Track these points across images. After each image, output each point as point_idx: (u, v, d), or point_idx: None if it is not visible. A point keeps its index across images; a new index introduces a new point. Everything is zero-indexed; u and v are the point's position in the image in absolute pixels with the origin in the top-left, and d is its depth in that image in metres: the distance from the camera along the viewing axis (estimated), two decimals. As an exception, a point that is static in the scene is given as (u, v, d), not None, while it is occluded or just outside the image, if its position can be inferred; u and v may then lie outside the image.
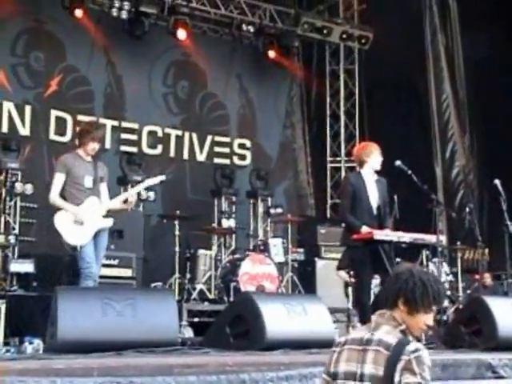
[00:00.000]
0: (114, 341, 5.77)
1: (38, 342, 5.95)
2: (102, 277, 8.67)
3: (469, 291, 11.01)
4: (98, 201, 7.43)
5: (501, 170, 11.41)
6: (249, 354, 6.06)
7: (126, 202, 7.67)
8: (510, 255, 8.75)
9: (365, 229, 7.55)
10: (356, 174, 8.14)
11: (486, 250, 11.52)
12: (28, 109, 11.95)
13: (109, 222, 7.49)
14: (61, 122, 12.07)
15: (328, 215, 14.78)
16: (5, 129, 11.68)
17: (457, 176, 14.30)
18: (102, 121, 12.63)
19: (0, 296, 7.80)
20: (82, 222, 7.21)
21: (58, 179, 7.40)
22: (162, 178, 8.08)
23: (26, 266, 9.67)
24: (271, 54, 14.25)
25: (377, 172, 7.99)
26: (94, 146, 7.49)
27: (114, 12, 12.66)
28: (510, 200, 8.91)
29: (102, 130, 7.78)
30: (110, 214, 7.58)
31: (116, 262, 9.50)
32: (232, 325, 6.58)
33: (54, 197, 7.38)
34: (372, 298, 8.09)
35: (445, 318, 8.87)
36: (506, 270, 9.08)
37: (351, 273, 9.18)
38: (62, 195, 7.41)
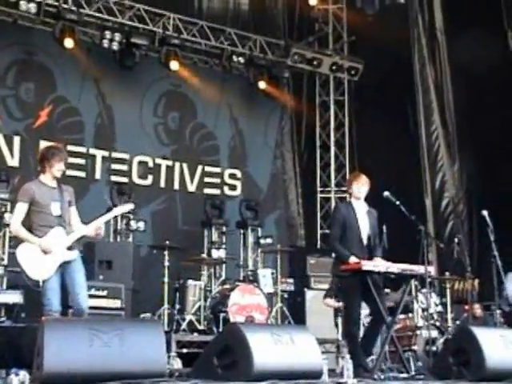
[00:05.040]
0: (101, 372, 5.70)
1: (23, 374, 5.89)
2: (90, 307, 8.66)
3: (458, 322, 10.98)
4: (63, 232, 7.01)
5: (490, 200, 11.46)
6: (236, 386, 6.02)
7: (95, 232, 7.22)
8: (498, 286, 8.78)
9: (353, 259, 7.57)
10: (346, 204, 8.18)
11: (476, 281, 11.51)
12: (17, 140, 12.00)
13: (73, 255, 7.03)
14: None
15: (318, 245, 14.77)
16: (-7, 160, 11.73)
17: (446, 207, 14.33)
18: (93, 151, 12.74)
19: (-13, 327, 7.74)
20: (45, 255, 6.85)
21: (20, 209, 6.94)
22: (131, 206, 7.87)
23: (15, 297, 9.63)
24: (261, 84, 14.32)
25: (367, 202, 8.02)
26: (61, 167, 7.06)
27: (105, 43, 12.72)
28: (500, 231, 8.92)
29: (65, 152, 7.27)
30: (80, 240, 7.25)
31: (105, 292, 9.45)
32: (220, 356, 6.52)
33: (18, 227, 6.95)
34: (362, 329, 8.11)
35: (434, 348, 8.83)
36: (495, 300, 9.10)
37: (339, 302, 9.22)
38: (29, 226, 6.97)
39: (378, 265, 7.65)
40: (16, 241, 7.47)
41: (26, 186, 7.15)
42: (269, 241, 12.95)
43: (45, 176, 7.14)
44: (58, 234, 7.01)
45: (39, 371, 5.63)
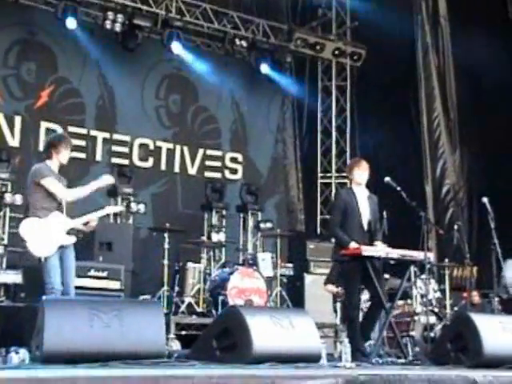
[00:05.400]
0: (100, 352, 5.73)
1: (23, 352, 5.91)
2: (90, 288, 8.72)
3: (456, 308, 11.00)
4: (62, 216, 7.10)
5: (490, 188, 11.46)
6: (235, 367, 6.04)
7: (86, 224, 7.34)
8: (497, 273, 8.79)
9: (353, 244, 7.58)
10: (347, 189, 8.20)
11: (475, 268, 11.53)
12: (18, 120, 11.96)
13: (72, 240, 7.17)
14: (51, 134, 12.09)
15: (318, 231, 14.78)
16: (-6, 140, 11.70)
17: (447, 194, 14.33)
18: (94, 133, 12.72)
19: (-13, 307, 7.77)
20: (48, 233, 6.93)
21: (53, 181, 7.02)
22: (121, 208, 7.94)
23: (14, 277, 9.66)
24: (264, 68, 14.24)
25: (368, 188, 8.03)
26: (68, 153, 7.20)
27: (108, 24, 12.67)
28: (499, 218, 8.92)
29: (70, 139, 7.41)
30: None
31: (104, 273, 9.44)
32: (219, 338, 6.55)
33: (68, 192, 7.09)
34: (361, 314, 8.13)
35: (432, 334, 8.86)
36: (494, 288, 9.12)
37: (339, 288, 9.25)
38: (29, 204, 7.09)
39: (378, 250, 7.67)
40: (18, 221, 7.48)
41: (40, 165, 7.20)
42: (269, 225, 12.95)
43: (51, 162, 7.20)
44: (59, 217, 7.09)
45: (39, 350, 5.66)
